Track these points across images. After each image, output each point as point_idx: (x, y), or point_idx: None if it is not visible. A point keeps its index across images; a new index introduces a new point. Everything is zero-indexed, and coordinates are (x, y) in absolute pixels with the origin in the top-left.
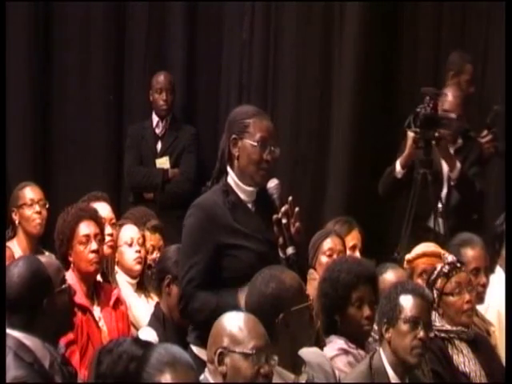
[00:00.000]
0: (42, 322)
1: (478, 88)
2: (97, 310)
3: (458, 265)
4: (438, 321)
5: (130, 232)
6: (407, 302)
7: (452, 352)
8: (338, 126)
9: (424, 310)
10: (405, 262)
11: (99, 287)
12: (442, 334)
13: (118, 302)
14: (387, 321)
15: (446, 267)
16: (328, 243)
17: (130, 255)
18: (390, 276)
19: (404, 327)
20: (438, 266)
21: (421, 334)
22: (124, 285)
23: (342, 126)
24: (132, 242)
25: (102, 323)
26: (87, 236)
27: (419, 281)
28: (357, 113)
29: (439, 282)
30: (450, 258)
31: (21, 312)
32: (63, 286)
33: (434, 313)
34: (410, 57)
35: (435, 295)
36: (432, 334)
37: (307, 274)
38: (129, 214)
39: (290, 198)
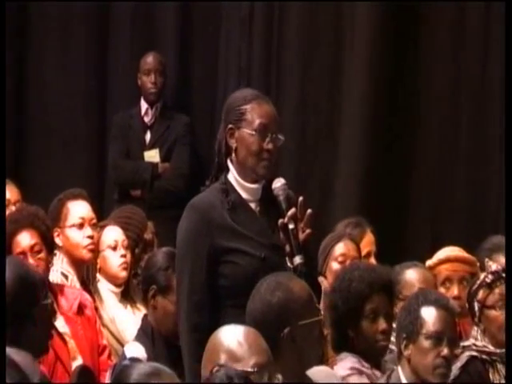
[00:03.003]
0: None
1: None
2: (60, 321)
3: (504, 275)
4: (479, 338)
5: (113, 234)
6: (429, 314)
7: (493, 378)
8: (349, 117)
9: (448, 324)
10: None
11: (58, 293)
12: (484, 356)
13: (82, 306)
14: (407, 336)
15: (489, 277)
16: (340, 248)
17: (114, 260)
18: (412, 275)
19: (426, 343)
20: (481, 276)
21: (445, 351)
22: (107, 294)
23: (353, 117)
24: (116, 245)
25: (67, 335)
26: (21, 253)
27: (442, 290)
28: (371, 101)
29: (481, 294)
30: (495, 266)
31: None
32: (45, 301)
33: (475, 328)
34: (427, 40)
35: (476, 308)
36: (457, 351)
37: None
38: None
39: (301, 199)
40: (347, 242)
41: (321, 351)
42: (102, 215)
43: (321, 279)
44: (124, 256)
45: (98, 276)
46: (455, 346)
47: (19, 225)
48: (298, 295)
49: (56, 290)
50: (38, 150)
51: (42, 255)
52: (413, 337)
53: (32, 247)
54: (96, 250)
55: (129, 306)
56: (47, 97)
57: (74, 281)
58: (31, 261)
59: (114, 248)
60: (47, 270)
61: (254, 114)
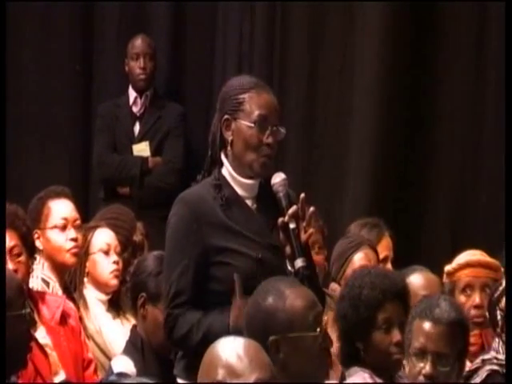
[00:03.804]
0: None
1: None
2: (41, 331)
3: None
4: (501, 351)
5: (106, 237)
6: (417, 327)
7: None
8: (361, 106)
9: (436, 339)
10: (444, 275)
11: (39, 301)
12: (505, 370)
13: (65, 315)
14: (407, 347)
15: None
16: (361, 259)
17: (105, 266)
18: (413, 283)
19: (412, 360)
20: (504, 281)
21: (426, 368)
22: (94, 302)
23: (366, 106)
24: (109, 249)
25: (49, 347)
26: None
27: (462, 298)
28: (386, 88)
29: (504, 301)
30: None
31: None
32: (23, 311)
33: (496, 340)
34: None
35: (498, 317)
36: (445, 369)
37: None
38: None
39: (303, 196)
40: (368, 251)
41: (314, 369)
42: (86, 215)
43: (335, 286)
44: (116, 263)
45: (85, 282)
46: (442, 363)
47: None
48: (290, 304)
49: (36, 298)
50: (15, 142)
51: (22, 258)
52: (408, 351)
53: (11, 249)
54: (80, 254)
55: (117, 316)
56: (25, 83)
57: (55, 288)
58: (10, 265)
59: (106, 252)
60: (27, 275)
61: (253, 104)
